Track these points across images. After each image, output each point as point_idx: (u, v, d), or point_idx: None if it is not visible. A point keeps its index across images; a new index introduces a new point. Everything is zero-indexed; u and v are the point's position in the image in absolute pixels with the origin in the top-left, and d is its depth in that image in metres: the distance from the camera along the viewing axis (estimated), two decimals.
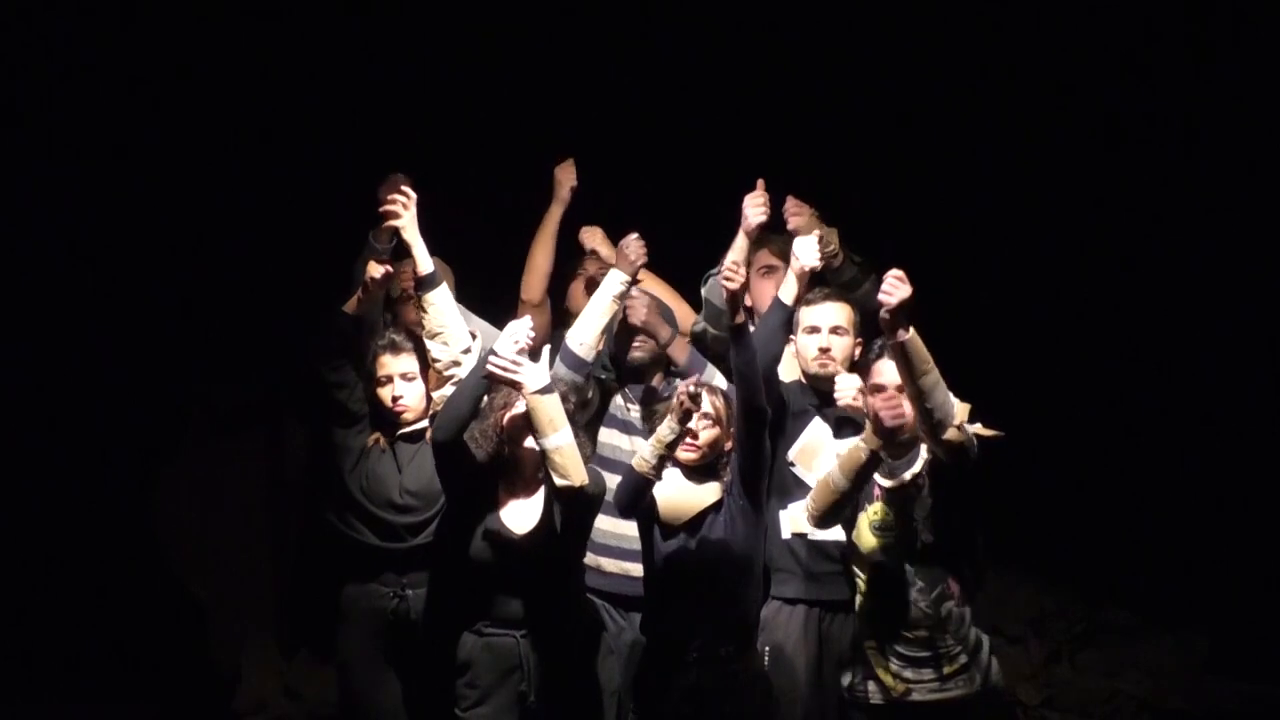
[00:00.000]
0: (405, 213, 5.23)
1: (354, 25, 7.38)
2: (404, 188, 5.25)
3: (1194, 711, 7.18)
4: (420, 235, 5.27)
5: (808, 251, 5.21)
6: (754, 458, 5.01)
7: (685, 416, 4.88)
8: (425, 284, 5.28)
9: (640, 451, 4.97)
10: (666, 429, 4.90)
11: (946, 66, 7.36)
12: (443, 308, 5.28)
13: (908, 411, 4.78)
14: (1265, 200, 7.34)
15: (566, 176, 5.96)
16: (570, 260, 6.04)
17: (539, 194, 6.07)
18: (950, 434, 4.79)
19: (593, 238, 6.02)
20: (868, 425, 4.84)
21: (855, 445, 4.86)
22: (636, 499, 4.99)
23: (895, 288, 4.66)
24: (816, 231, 5.36)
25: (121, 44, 7.27)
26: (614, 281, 5.46)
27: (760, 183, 5.41)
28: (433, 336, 5.29)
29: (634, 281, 5.50)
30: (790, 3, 7.36)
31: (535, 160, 6.21)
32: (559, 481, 4.89)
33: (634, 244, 5.47)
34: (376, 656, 5.33)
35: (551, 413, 4.89)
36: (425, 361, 5.36)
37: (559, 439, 4.88)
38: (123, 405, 7.40)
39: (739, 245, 5.43)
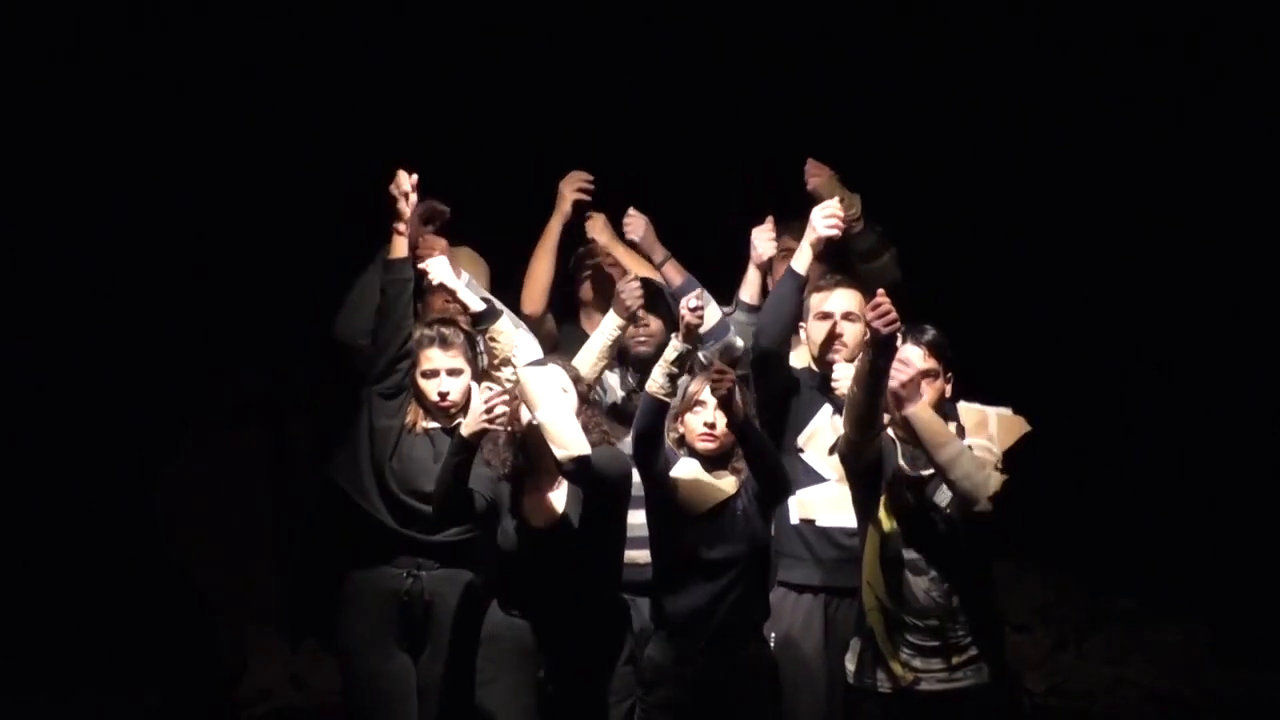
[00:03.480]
0: (440, 270, 5.28)
1: (354, 22, 7.38)
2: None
3: (1198, 699, 7.21)
4: (455, 276, 5.30)
5: (824, 221, 5.21)
6: (771, 499, 5.05)
7: (689, 331, 4.89)
8: (483, 319, 5.28)
9: (651, 376, 4.94)
10: (672, 349, 4.91)
11: (948, 66, 7.37)
12: (510, 335, 5.27)
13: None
14: (1266, 197, 7.37)
15: (571, 189, 5.86)
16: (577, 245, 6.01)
17: (543, 197, 6.05)
18: (981, 507, 4.79)
19: (594, 226, 5.95)
20: (866, 340, 4.77)
21: (861, 359, 4.79)
22: (653, 424, 4.94)
23: (903, 371, 4.65)
24: (837, 195, 5.35)
25: (119, 37, 7.26)
26: (610, 326, 5.42)
27: (770, 218, 5.42)
28: (506, 362, 5.27)
29: (630, 325, 5.46)
30: (792, 2, 7.37)
31: (539, 161, 6.21)
32: (558, 453, 4.88)
33: (631, 289, 5.41)
34: (385, 640, 5.27)
35: (543, 385, 4.90)
36: (474, 352, 5.33)
37: (552, 411, 4.88)
38: (125, 399, 7.40)
39: (751, 279, 5.50)
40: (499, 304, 5.39)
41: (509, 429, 5.01)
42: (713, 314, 5.49)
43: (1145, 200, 7.42)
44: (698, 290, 5.05)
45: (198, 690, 7.34)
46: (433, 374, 5.30)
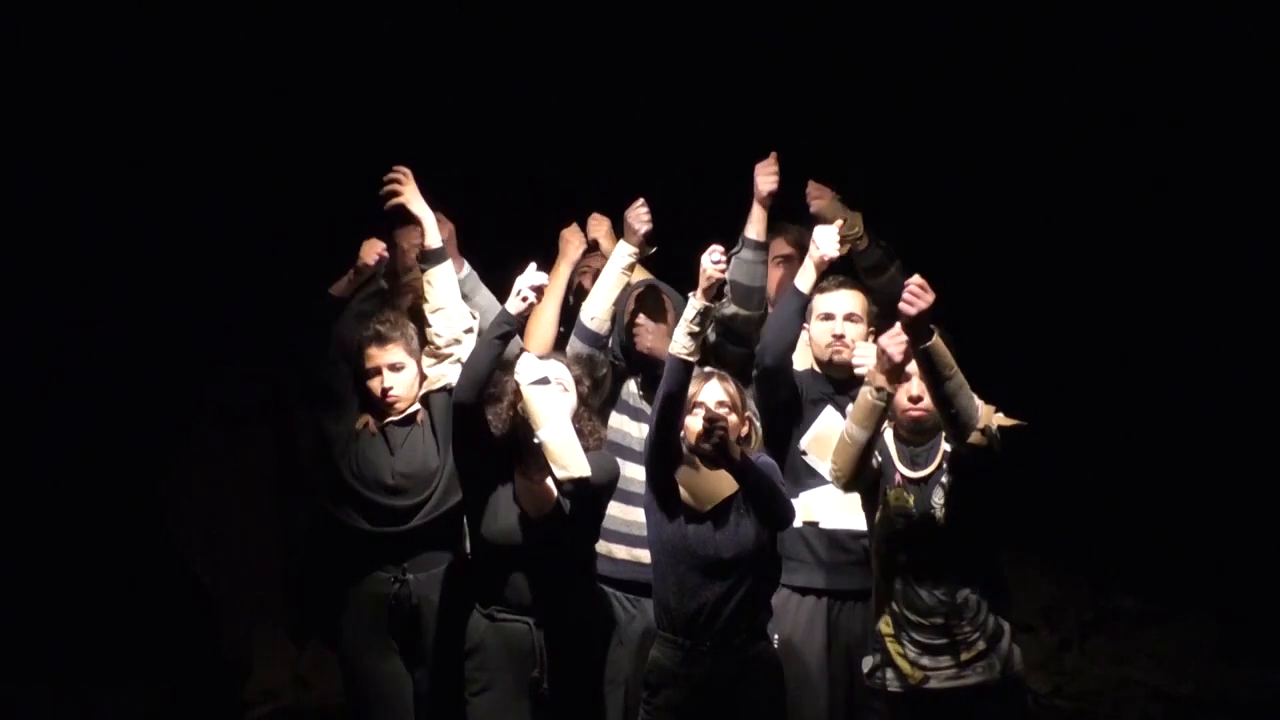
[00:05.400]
0: (405, 187, 5.27)
1: (356, 21, 7.40)
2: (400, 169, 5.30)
3: (1203, 698, 7.19)
4: (427, 207, 5.29)
5: (827, 241, 5.23)
6: (770, 529, 5.04)
7: (710, 287, 4.88)
8: (430, 258, 5.28)
9: (674, 338, 4.94)
10: (692, 307, 4.90)
11: (953, 66, 7.39)
12: (445, 284, 5.27)
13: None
14: (1270, 196, 7.39)
15: (575, 237, 5.79)
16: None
17: (548, 191, 6.05)
18: (974, 437, 4.80)
19: (599, 227, 5.92)
20: (872, 369, 4.83)
21: (863, 392, 4.84)
22: (680, 384, 4.93)
23: (917, 296, 4.65)
24: (840, 219, 5.36)
25: (124, 34, 7.27)
26: (621, 254, 5.46)
27: (773, 154, 5.42)
28: (434, 312, 5.28)
29: (641, 252, 5.48)
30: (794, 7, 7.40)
31: (544, 157, 6.21)
32: (557, 473, 4.89)
33: (638, 213, 5.44)
34: (379, 643, 5.30)
35: (545, 404, 4.90)
36: (422, 340, 5.32)
37: (553, 431, 4.89)
38: (134, 395, 7.41)
39: (756, 217, 5.46)
40: (452, 262, 5.35)
41: (510, 413, 5.02)
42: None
43: (1152, 199, 7.42)
44: (718, 247, 5.03)
45: (203, 690, 7.34)
46: (374, 372, 5.30)
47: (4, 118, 7.19)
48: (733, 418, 5.00)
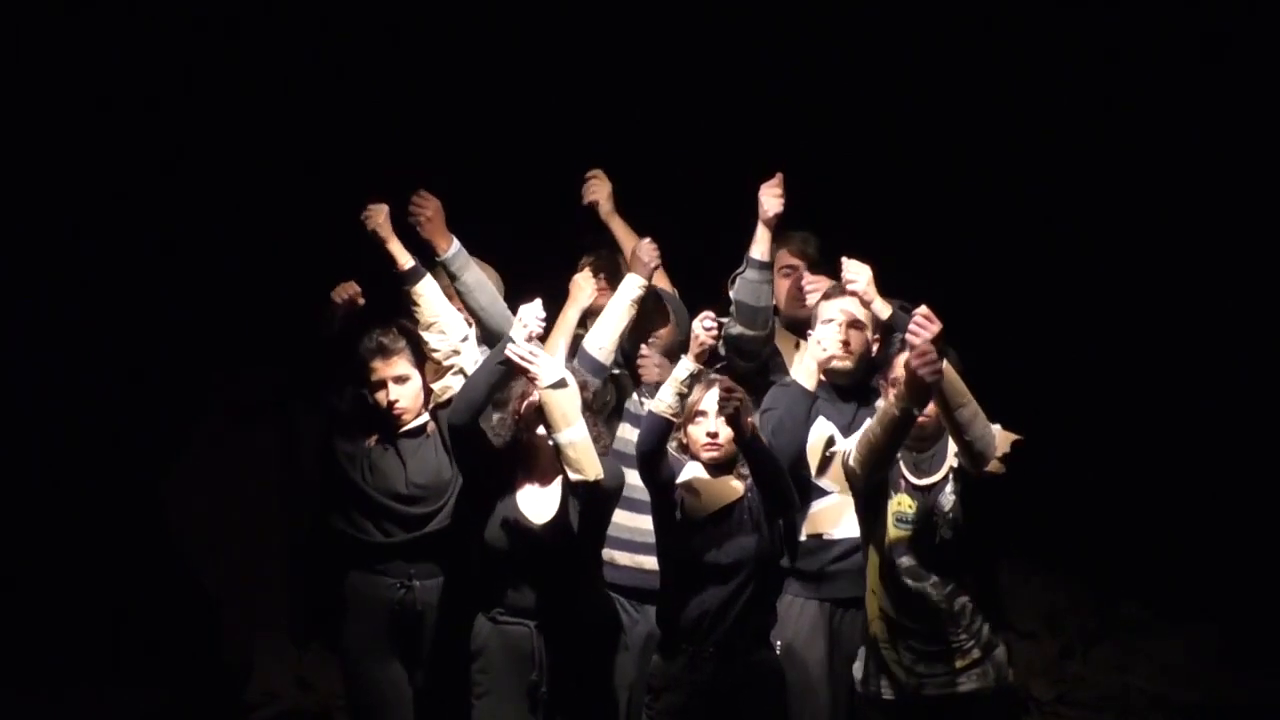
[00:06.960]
0: (379, 217, 5.27)
1: (357, 21, 7.40)
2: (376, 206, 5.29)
3: (1206, 705, 7.17)
4: (394, 234, 5.28)
5: (830, 339, 5.21)
6: (778, 513, 5.03)
7: (703, 353, 4.90)
8: (408, 278, 5.27)
9: (659, 395, 4.94)
10: (683, 367, 4.91)
11: (952, 69, 7.38)
12: (431, 298, 5.28)
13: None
14: (1269, 196, 7.37)
15: (588, 284, 5.72)
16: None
17: (550, 196, 6.03)
18: (992, 466, 4.78)
19: (600, 190, 5.89)
20: (897, 388, 4.76)
21: (889, 403, 4.80)
22: (658, 443, 4.94)
23: (922, 327, 4.64)
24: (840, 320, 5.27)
25: (125, 33, 7.28)
26: (631, 286, 5.42)
27: (779, 175, 5.41)
28: (428, 328, 5.28)
29: (650, 286, 5.47)
30: (808, 8, 7.37)
31: (548, 162, 6.20)
32: (572, 476, 4.91)
33: (648, 248, 5.43)
34: (381, 646, 5.31)
35: (565, 407, 4.90)
36: (420, 356, 5.33)
37: (572, 434, 4.89)
38: (137, 396, 7.42)
39: (760, 237, 5.45)
40: (440, 240, 5.36)
41: (515, 413, 5.01)
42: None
43: (1152, 200, 7.41)
44: (710, 313, 5.04)
45: (204, 692, 7.33)
46: (379, 385, 5.30)
47: (4, 118, 7.20)
48: None
